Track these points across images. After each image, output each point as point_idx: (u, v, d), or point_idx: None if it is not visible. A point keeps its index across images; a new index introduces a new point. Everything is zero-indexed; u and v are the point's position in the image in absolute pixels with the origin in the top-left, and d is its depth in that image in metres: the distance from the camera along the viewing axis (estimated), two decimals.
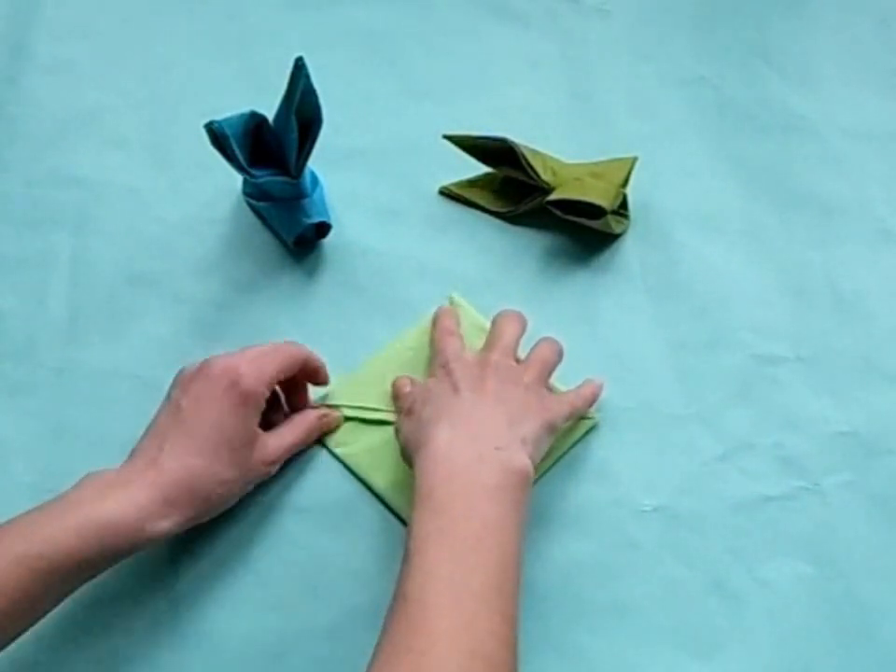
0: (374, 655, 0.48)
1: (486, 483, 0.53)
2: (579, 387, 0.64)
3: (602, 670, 0.60)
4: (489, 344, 0.62)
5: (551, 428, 0.59)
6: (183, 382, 0.59)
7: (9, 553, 0.51)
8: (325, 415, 0.64)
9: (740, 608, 0.61)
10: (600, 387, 0.64)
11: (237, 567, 0.62)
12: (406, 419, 0.59)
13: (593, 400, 0.64)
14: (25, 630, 0.52)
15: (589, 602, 0.61)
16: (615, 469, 0.64)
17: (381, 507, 0.64)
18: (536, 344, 0.63)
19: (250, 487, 0.60)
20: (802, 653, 0.60)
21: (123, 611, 0.61)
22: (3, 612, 0.50)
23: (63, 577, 0.52)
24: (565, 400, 0.61)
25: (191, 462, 0.56)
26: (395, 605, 0.49)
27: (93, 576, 0.54)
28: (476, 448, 0.54)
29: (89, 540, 0.52)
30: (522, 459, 0.54)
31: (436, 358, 0.63)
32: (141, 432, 0.58)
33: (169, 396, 0.59)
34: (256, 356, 0.59)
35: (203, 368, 0.59)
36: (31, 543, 0.51)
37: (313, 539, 0.63)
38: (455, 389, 0.58)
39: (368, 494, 0.64)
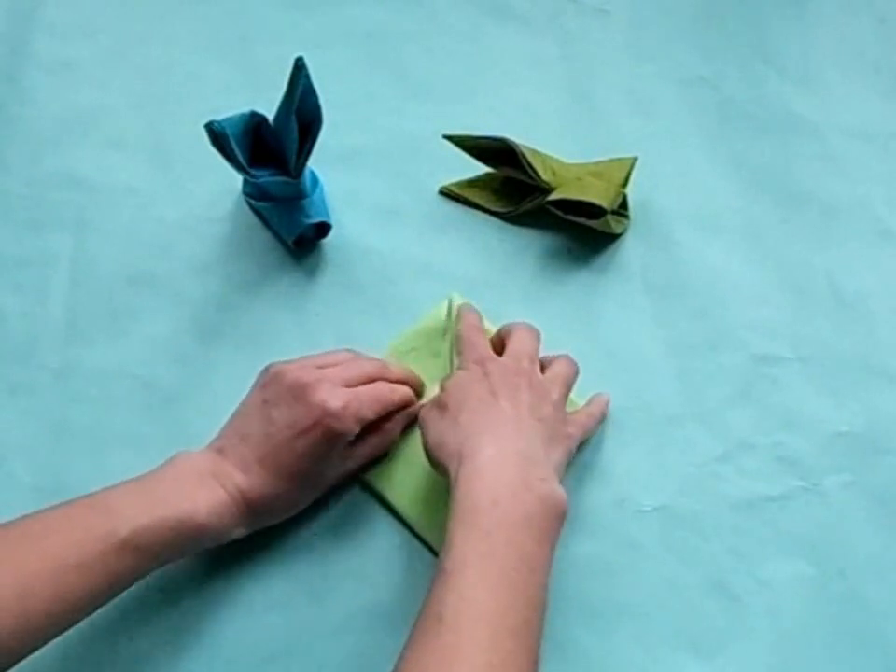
0: None
1: (528, 513, 0.52)
2: (588, 405, 0.64)
3: (602, 670, 0.60)
4: (513, 352, 0.60)
5: (570, 455, 0.59)
6: (282, 390, 0.59)
7: (106, 533, 0.53)
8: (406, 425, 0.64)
9: (740, 608, 0.61)
10: (607, 403, 0.64)
11: (238, 567, 0.62)
12: (438, 413, 0.57)
13: (602, 418, 0.64)
14: (101, 606, 0.54)
15: (589, 602, 0.61)
16: (615, 469, 0.64)
17: (382, 509, 0.64)
18: (553, 360, 0.62)
19: None
20: (802, 653, 0.60)
21: (124, 612, 0.61)
22: (91, 591, 0.52)
23: (150, 561, 0.55)
24: (579, 423, 0.61)
25: (276, 484, 0.58)
26: (427, 623, 0.48)
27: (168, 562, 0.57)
28: (520, 472, 0.53)
29: (181, 536, 0.55)
30: (560, 493, 0.54)
31: (467, 353, 0.61)
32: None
33: (264, 397, 0.60)
34: (355, 397, 0.59)
35: (306, 390, 0.58)
36: (126, 527, 0.53)
37: (314, 540, 0.63)
38: (494, 395, 0.57)
39: (370, 495, 0.64)
